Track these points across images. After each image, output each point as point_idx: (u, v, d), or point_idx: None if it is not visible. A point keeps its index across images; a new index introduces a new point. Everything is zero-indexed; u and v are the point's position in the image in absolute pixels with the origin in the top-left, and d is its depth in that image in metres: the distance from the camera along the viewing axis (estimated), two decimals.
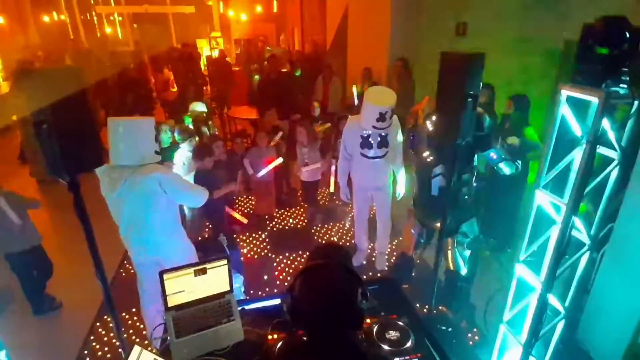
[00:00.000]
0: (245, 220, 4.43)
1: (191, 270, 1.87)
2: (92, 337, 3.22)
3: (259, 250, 4.37)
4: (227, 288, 1.97)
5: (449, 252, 2.94)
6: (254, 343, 1.87)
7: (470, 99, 1.75)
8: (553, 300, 2.21)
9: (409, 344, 1.83)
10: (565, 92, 1.87)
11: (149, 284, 2.69)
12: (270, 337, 1.87)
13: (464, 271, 2.95)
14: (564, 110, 1.89)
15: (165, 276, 1.81)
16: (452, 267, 2.97)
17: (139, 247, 2.58)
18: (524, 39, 4.46)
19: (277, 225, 4.88)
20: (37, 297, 3.46)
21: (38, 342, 3.20)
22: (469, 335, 3.11)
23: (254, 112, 6.48)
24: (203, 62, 10.43)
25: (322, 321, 1.16)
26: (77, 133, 1.47)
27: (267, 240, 4.56)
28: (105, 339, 3.21)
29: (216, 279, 1.94)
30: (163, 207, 2.51)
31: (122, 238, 2.61)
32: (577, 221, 2.02)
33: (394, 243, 4.36)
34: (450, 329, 2.96)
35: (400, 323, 1.91)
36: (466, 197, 2.84)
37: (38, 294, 3.48)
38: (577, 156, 1.87)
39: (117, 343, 2.16)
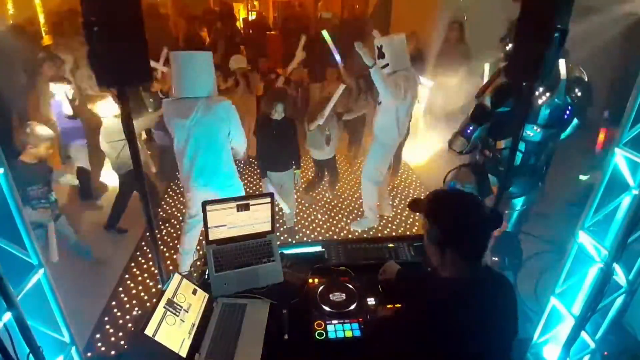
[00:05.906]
0: None
1: (234, 204, 1.79)
2: (132, 264, 3.34)
3: None
4: (269, 228, 1.90)
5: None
6: (294, 285, 1.81)
7: (557, 34, 1.52)
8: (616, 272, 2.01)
9: None
10: None
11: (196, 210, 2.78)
12: (310, 280, 1.80)
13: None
14: None
15: (208, 207, 1.75)
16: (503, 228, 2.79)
17: (199, 172, 2.65)
18: None
19: None
20: (118, 216, 3.65)
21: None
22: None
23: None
24: (239, 24, 10.26)
25: (469, 225, 1.18)
26: (129, 40, 1.35)
27: None
28: (145, 267, 3.31)
29: (259, 217, 1.86)
30: (225, 137, 2.64)
31: (184, 165, 2.65)
32: None
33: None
34: None
35: None
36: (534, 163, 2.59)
37: (120, 213, 3.65)
38: None
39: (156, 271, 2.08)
